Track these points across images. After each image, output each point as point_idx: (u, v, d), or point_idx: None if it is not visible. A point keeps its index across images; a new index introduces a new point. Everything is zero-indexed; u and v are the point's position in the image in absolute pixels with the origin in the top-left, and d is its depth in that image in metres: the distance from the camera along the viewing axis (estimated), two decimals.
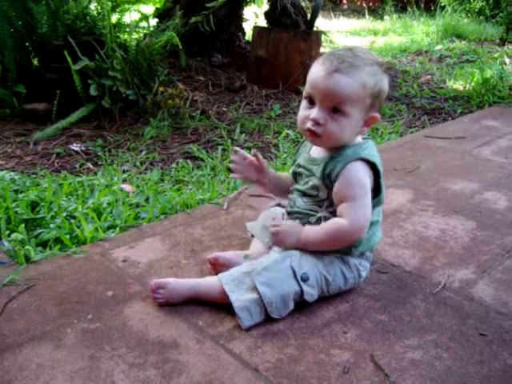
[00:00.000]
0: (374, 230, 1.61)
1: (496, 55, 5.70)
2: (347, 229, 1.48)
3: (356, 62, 1.45)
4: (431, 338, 1.42)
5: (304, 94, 1.53)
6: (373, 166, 1.49)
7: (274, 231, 1.55)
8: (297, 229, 1.54)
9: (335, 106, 1.45)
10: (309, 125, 1.47)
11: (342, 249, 1.56)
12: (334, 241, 1.52)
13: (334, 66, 1.44)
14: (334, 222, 1.50)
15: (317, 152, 1.60)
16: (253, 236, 1.79)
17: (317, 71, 1.49)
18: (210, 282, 1.54)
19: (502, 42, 7.33)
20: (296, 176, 1.66)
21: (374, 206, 1.55)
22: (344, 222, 1.47)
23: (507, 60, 4.74)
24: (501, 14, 7.75)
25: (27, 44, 3.52)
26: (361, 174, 1.48)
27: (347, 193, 1.48)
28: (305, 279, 1.49)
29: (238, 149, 1.70)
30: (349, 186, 1.47)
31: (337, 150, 1.52)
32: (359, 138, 1.57)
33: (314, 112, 1.47)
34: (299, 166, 1.64)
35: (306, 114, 1.49)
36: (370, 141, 1.60)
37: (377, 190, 1.54)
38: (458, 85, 4.79)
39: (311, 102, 1.50)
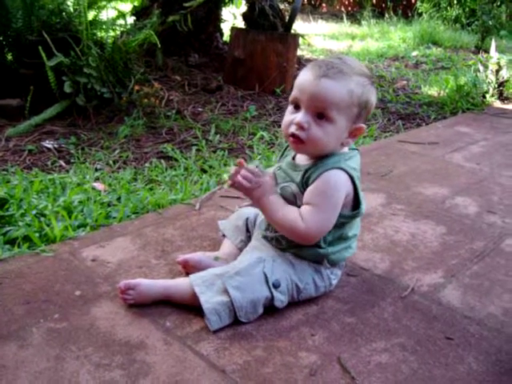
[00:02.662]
0: (351, 243, 1.61)
1: (470, 62, 5.77)
2: (300, 232, 1.47)
3: (345, 70, 1.44)
4: (398, 341, 1.44)
5: (290, 98, 1.51)
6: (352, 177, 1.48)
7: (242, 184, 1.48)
8: (267, 188, 1.51)
9: (321, 112, 1.43)
10: (292, 129, 1.45)
11: (315, 259, 1.56)
12: (284, 230, 1.51)
13: (323, 71, 1.42)
14: (294, 217, 1.47)
15: (301, 159, 1.57)
16: (224, 236, 1.79)
17: (305, 76, 1.47)
18: (180, 284, 1.53)
19: (477, 49, 7.43)
20: (275, 178, 1.65)
21: (353, 217, 1.55)
22: (300, 225, 1.46)
23: (481, 68, 4.80)
24: (476, 23, 7.84)
25: (1, 39, 3.47)
26: (334, 185, 1.46)
27: (315, 198, 1.46)
28: (276, 286, 1.49)
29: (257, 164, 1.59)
30: (319, 192, 1.46)
31: (320, 159, 1.50)
32: (345, 150, 1.54)
33: (299, 116, 1.44)
34: (279, 168, 1.62)
35: (291, 118, 1.47)
36: (357, 152, 1.58)
37: (356, 203, 1.53)
38: (433, 91, 4.84)
39: (297, 107, 1.48)
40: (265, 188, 1.50)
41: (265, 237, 1.62)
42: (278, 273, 1.51)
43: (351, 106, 1.45)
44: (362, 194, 1.52)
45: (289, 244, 1.56)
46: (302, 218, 1.46)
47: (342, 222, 1.52)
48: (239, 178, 1.48)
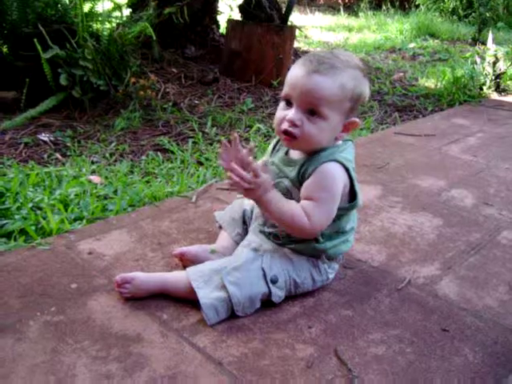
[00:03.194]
0: (348, 236, 1.61)
1: (467, 55, 5.77)
2: (306, 227, 1.45)
3: (336, 64, 1.42)
4: (395, 333, 1.44)
5: (282, 94, 1.49)
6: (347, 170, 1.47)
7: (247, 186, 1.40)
8: (266, 185, 1.42)
9: (313, 108, 1.41)
10: (285, 126, 1.44)
11: (313, 254, 1.55)
12: (288, 227, 1.48)
13: (314, 67, 1.40)
14: (298, 214, 1.44)
15: (295, 153, 1.55)
16: (220, 227, 1.78)
17: (296, 72, 1.45)
18: (177, 277, 1.52)
19: (474, 41, 7.43)
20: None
21: (349, 209, 1.54)
22: (306, 222, 1.44)
23: (478, 60, 4.79)
24: (473, 15, 7.87)
25: None
26: (332, 177, 1.44)
27: (315, 193, 1.45)
28: (274, 281, 1.48)
29: (237, 136, 1.51)
30: (318, 186, 1.45)
31: (314, 153, 1.48)
32: (339, 142, 1.52)
33: (291, 113, 1.43)
34: (273, 163, 1.60)
35: (283, 114, 1.46)
36: (350, 142, 1.56)
37: (352, 195, 1.52)
38: (430, 83, 4.84)
39: (289, 104, 1.46)
40: (265, 187, 1.42)
41: (262, 231, 1.62)
42: (276, 268, 1.50)
43: (343, 101, 1.43)
44: (358, 186, 1.52)
45: (287, 239, 1.55)
46: (305, 213, 1.44)
47: (339, 214, 1.51)
48: (236, 178, 1.39)
